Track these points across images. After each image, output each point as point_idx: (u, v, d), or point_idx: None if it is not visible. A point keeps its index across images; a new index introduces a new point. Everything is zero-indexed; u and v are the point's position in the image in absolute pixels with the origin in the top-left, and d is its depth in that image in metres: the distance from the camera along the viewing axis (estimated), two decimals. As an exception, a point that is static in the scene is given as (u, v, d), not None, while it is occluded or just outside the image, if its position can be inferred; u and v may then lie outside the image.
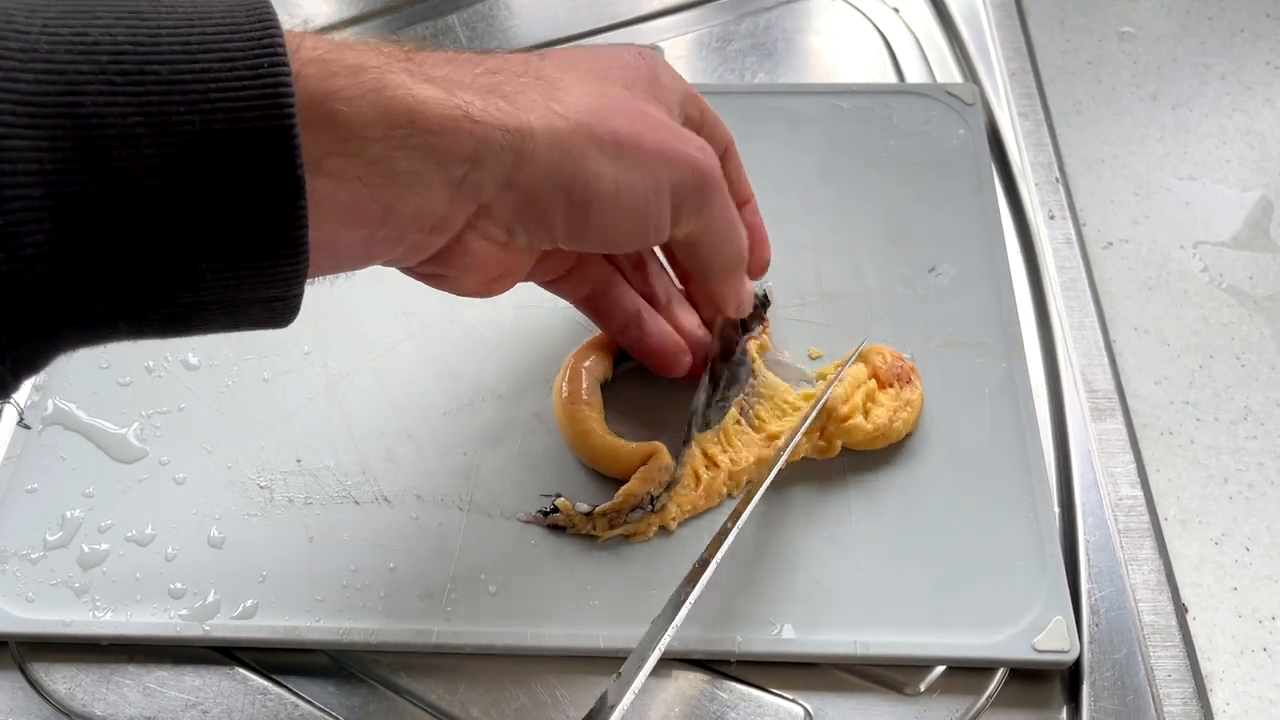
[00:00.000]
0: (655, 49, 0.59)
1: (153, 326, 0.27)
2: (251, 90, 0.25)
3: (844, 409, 0.42)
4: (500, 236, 0.33)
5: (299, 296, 0.28)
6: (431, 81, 0.29)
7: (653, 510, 0.40)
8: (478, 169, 0.30)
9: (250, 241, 0.26)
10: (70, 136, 0.24)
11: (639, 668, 0.34)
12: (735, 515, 0.38)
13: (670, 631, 0.35)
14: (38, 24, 0.24)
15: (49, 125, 0.23)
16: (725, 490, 0.42)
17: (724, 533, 0.38)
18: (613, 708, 0.33)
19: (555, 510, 0.41)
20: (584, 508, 0.40)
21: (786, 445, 0.41)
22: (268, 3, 0.27)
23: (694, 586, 0.36)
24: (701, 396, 0.42)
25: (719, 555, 0.37)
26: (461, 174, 0.30)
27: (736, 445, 0.42)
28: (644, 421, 0.44)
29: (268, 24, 0.26)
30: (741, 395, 0.43)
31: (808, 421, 0.41)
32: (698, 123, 0.40)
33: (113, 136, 0.24)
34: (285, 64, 0.25)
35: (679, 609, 0.35)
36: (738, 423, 0.42)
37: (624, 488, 0.40)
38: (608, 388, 0.44)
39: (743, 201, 0.43)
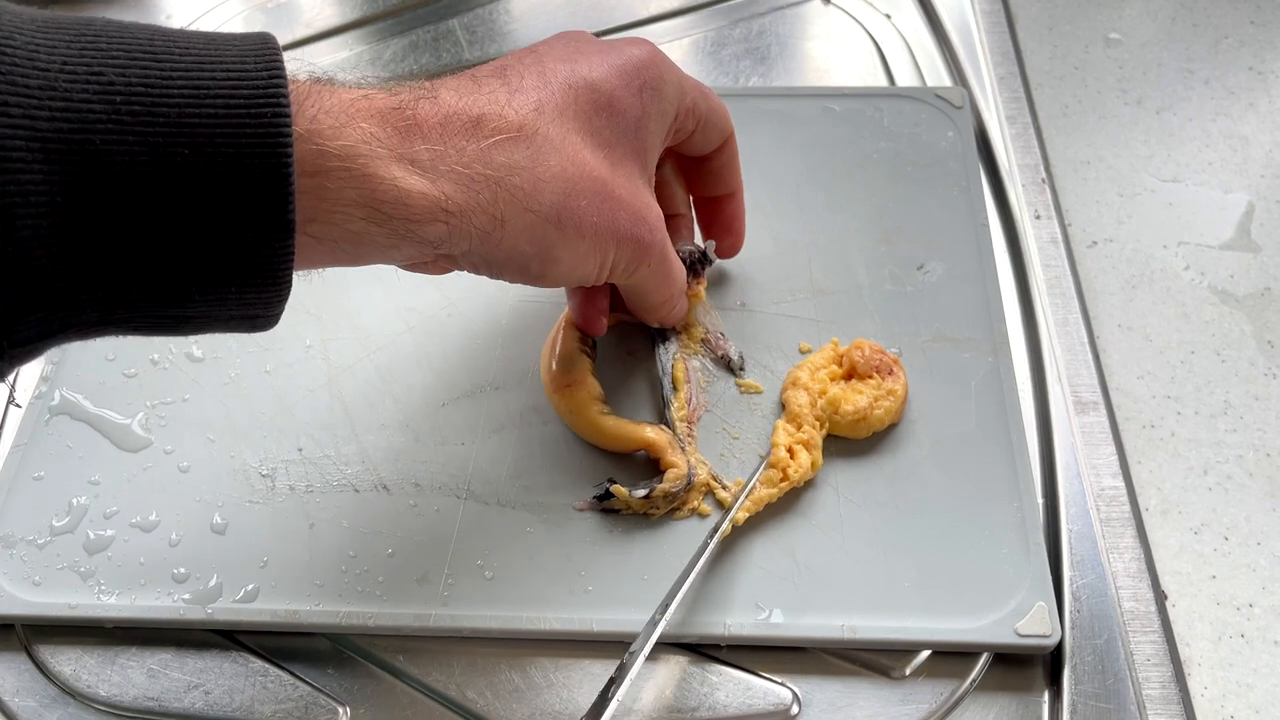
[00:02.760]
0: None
1: (141, 331, 0.29)
2: (254, 139, 0.27)
3: (814, 385, 0.44)
4: (468, 270, 0.37)
5: (279, 315, 0.31)
6: (418, 167, 0.31)
7: (690, 485, 0.42)
8: (448, 244, 0.33)
9: (239, 273, 0.28)
10: (80, 172, 0.25)
11: (636, 659, 0.36)
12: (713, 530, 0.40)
13: (661, 625, 0.37)
14: (57, 62, 0.25)
15: (61, 161, 0.25)
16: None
17: (703, 547, 0.40)
18: (607, 702, 0.35)
19: (610, 495, 0.42)
20: (640, 492, 0.41)
21: (740, 494, 0.42)
22: (277, 50, 0.28)
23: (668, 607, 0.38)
24: (656, 356, 0.46)
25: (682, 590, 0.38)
26: (433, 247, 0.33)
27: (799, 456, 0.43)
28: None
29: (274, 74, 0.27)
30: (678, 347, 0.46)
31: (755, 477, 0.42)
32: (698, 119, 0.42)
33: (120, 174, 0.25)
34: (288, 115, 0.27)
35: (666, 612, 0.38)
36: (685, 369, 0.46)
37: (670, 471, 0.42)
38: (595, 349, 0.46)
39: (729, 193, 0.46)
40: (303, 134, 0.28)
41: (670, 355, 0.46)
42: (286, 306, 0.30)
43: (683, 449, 0.43)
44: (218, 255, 0.27)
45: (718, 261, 0.49)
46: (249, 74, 0.27)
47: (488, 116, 0.34)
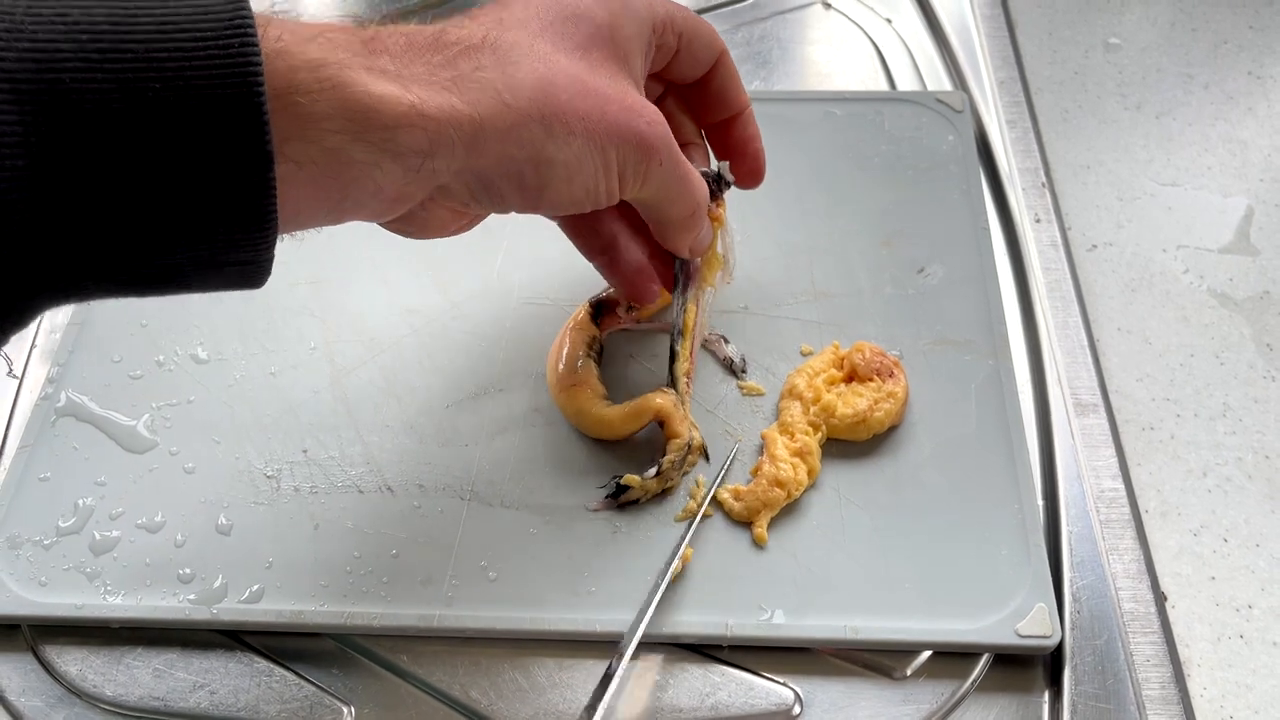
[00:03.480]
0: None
1: (130, 287, 0.29)
2: (223, 68, 0.26)
3: (808, 394, 0.45)
4: (459, 206, 0.35)
5: (270, 260, 0.30)
6: (387, 76, 0.30)
7: (690, 448, 0.43)
8: (432, 159, 0.31)
9: (222, 211, 0.28)
10: (52, 112, 0.25)
11: (623, 658, 0.37)
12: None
13: (645, 623, 0.38)
14: (21, 6, 0.25)
15: (32, 101, 0.25)
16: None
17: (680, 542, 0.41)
18: (595, 706, 0.36)
19: (622, 490, 0.42)
20: (651, 471, 0.42)
21: (710, 485, 0.43)
22: None
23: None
24: (675, 307, 0.45)
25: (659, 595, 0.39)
26: (417, 163, 0.31)
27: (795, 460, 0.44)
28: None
29: (239, 4, 0.27)
30: (694, 289, 0.44)
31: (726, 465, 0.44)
32: (679, 34, 0.40)
33: (91, 112, 0.25)
34: (255, 44, 0.27)
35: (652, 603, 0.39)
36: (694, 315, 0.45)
37: (673, 442, 0.42)
38: (602, 356, 0.46)
39: (736, 111, 0.44)
40: (270, 53, 0.28)
41: (684, 300, 0.44)
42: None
43: (683, 408, 0.43)
44: (198, 190, 0.27)
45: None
46: (212, 7, 0.27)
47: (449, 31, 0.33)
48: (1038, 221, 0.54)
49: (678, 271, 0.44)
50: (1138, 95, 0.60)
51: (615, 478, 0.42)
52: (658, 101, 0.43)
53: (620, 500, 0.42)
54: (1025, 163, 0.56)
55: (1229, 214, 0.55)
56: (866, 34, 0.64)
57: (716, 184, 0.44)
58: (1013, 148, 0.57)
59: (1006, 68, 0.61)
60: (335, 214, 0.32)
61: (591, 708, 0.36)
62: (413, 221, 0.35)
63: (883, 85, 0.61)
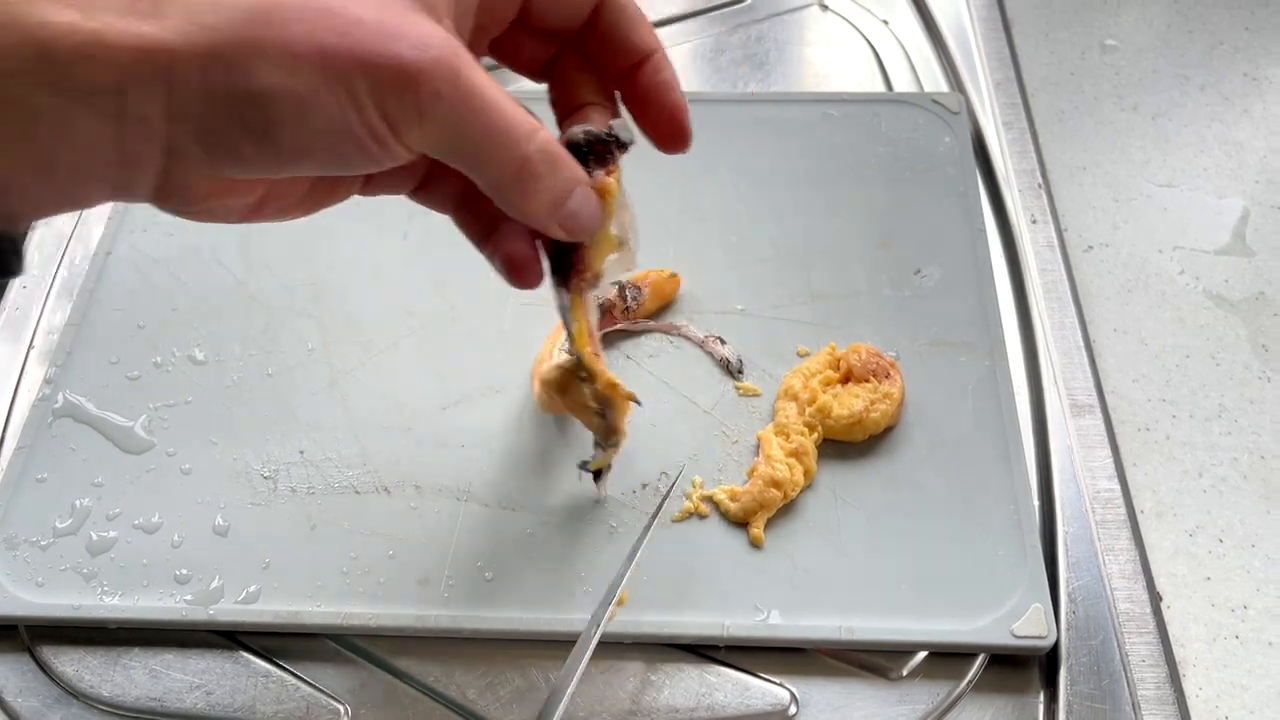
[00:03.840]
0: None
1: None
2: None
3: (804, 395, 0.45)
4: (205, 170, 0.29)
5: (14, 242, 0.27)
6: (72, 5, 0.26)
7: (607, 412, 0.40)
8: (124, 98, 0.27)
9: None
10: None
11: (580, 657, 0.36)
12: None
13: (604, 621, 0.38)
14: None
15: None
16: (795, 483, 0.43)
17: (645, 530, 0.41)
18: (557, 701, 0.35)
19: (596, 471, 0.42)
20: (598, 449, 0.41)
21: (671, 485, 0.43)
22: None
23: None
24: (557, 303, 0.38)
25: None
26: (113, 108, 0.27)
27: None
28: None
29: None
30: (577, 279, 0.36)
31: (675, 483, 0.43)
32: None
33: None
34: None
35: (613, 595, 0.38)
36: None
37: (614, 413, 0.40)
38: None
39: (638, 58, 0.35)
40: None
41: (566, 297, 0.37)
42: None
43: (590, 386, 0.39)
44: None
45: (705, 265, 0.48)
46: None
47: None
48: (1034, 222, 0.54)
49: (551, 257, 0.36)
50: (1134, 96, 0.60)
51: (581, 466, 0.42)
52: (553, 61, 0.36)
53: (594, 469, 0.42)
54: (1021, 164, 0.56)
55: (1225, 215, 0.55)
56: (863, 35, 0.64)
57: (601, 144, 0.34)
58: (1009, 149, 0.57)
59: (1003, 69, 0.61)
60: (58, 189, 0.28)
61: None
62: (176, 197, 0.29)
63: (879, 87, 0.61)
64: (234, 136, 0.28)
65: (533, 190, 0.31)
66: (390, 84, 0.28)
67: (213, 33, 0.27)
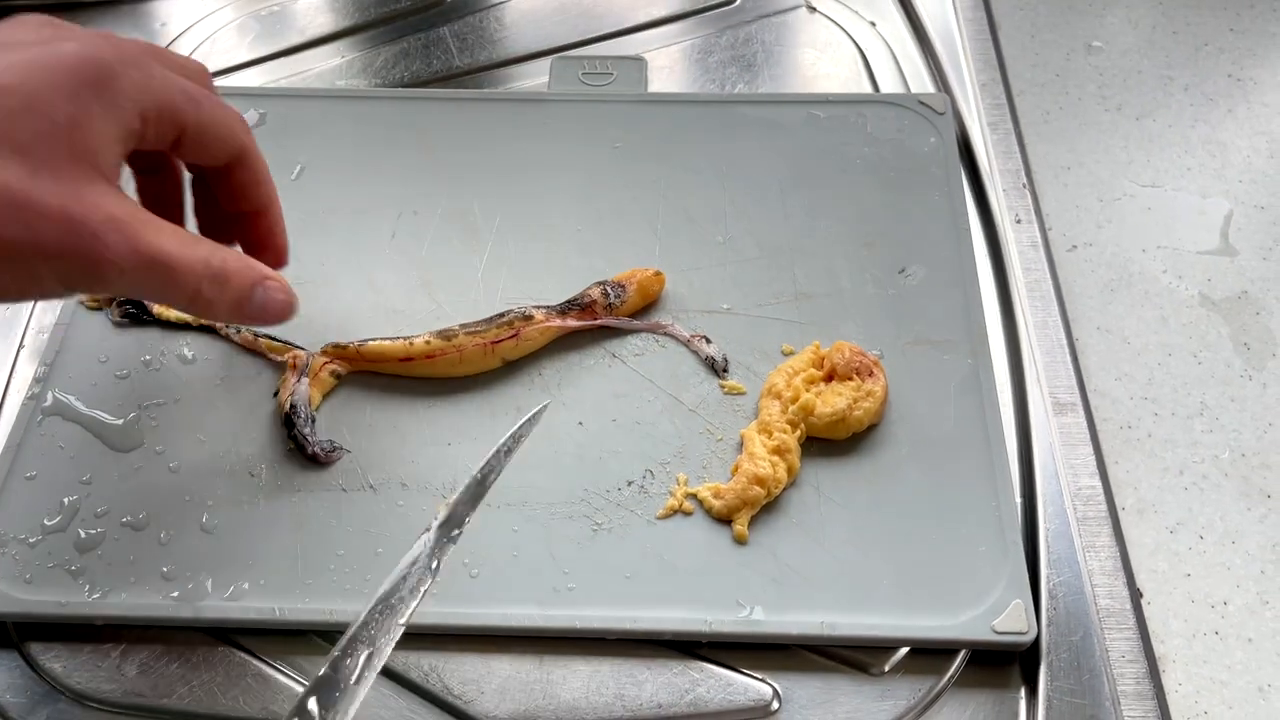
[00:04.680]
0: (639, 60, 0.61)
1: None
2: None
3: (787, 393, 0.45)
4: None
5: None
6: None
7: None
8: None
9: None
10: None
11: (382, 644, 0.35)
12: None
13: (413, 606, 0.36)
14: None
15: None
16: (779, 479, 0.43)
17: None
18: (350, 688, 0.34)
19: (289, 423, 0.45)
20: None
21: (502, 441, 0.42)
22: None
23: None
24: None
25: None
26: None
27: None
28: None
29: None
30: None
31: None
32: (180, 127, 0.36)
33: None
34: None
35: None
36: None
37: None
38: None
39: (256, 209, 0.41)
40: None
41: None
42: None
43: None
44: None
45: (690, 264, 0.49)
46: None
47: None
48: (1018, 222, 0.54)
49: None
50: (1119, 97, 0.61)
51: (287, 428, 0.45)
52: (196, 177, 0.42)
53: (295, 430, 0.44)
54: (1006, 164, 0.57)
55: (1208, 215, 0.55)
56: (850, 37, 0.64)
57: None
58: (994, 149, 0.57)
59: (988, 70, 0.62)
60: None
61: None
62: None
63: (866, 88, 0.62)
64: None
65: (211, 309, 0.37)
66: (77, 271, 0.32)
67: None
